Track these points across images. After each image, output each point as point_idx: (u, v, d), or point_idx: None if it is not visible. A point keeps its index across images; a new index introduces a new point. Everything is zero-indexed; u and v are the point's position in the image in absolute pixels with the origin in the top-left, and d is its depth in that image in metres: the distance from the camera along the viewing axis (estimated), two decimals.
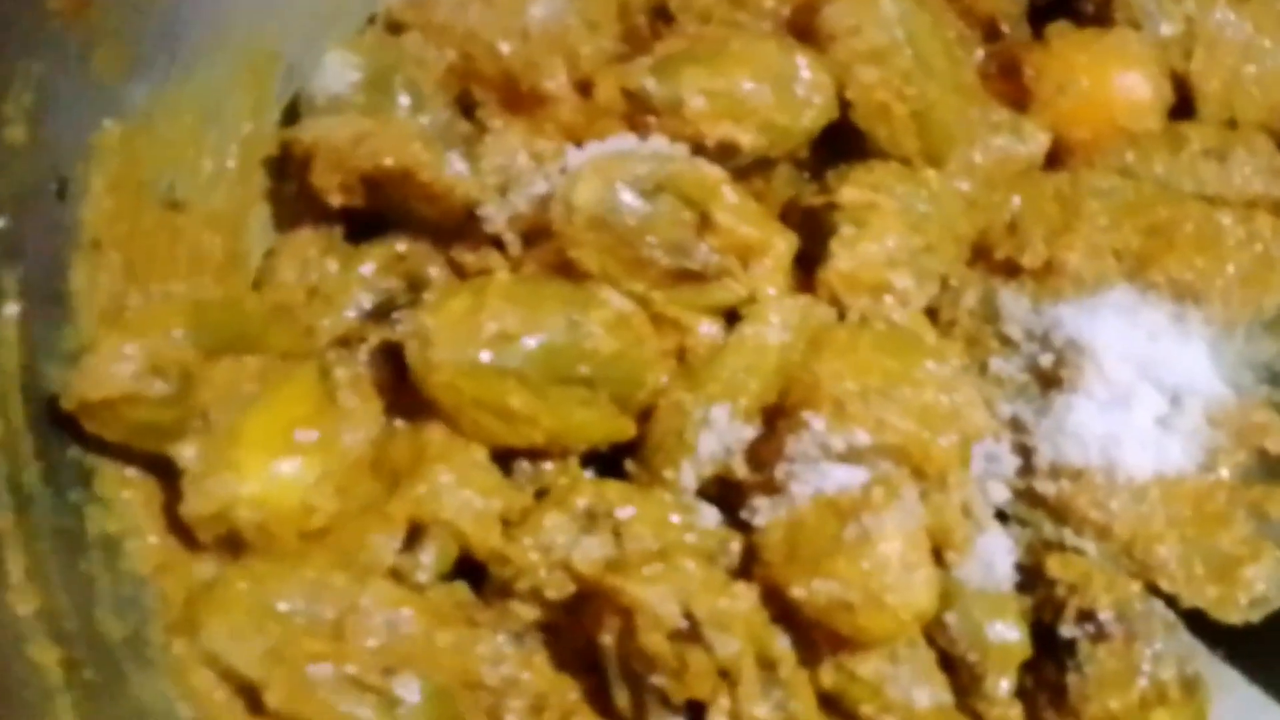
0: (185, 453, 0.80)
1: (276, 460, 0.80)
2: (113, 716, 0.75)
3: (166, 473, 0.82)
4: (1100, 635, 0.86)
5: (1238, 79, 1.08)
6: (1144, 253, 0.99)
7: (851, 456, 0.87)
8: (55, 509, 0.79)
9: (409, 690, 0.78)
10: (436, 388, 0.85)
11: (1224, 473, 0.92)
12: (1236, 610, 0.88)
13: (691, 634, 0.79)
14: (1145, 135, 1.05)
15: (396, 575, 0.83)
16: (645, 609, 0.79)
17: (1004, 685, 0.85)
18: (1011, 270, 1.01)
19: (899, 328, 0.93)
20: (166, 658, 0.79)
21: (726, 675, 0.80)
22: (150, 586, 0.81)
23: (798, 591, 0.81)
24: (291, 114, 0.98)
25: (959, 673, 0.86)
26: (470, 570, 0.88)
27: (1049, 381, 0.97)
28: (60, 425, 0.81)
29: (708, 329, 0.93)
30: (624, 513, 0.87)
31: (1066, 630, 0.86)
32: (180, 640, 0.79)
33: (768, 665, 0.81)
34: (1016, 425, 0.96)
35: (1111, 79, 1.06)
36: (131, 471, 0.83)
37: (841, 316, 0.94)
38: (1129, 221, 1.01)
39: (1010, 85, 1.08)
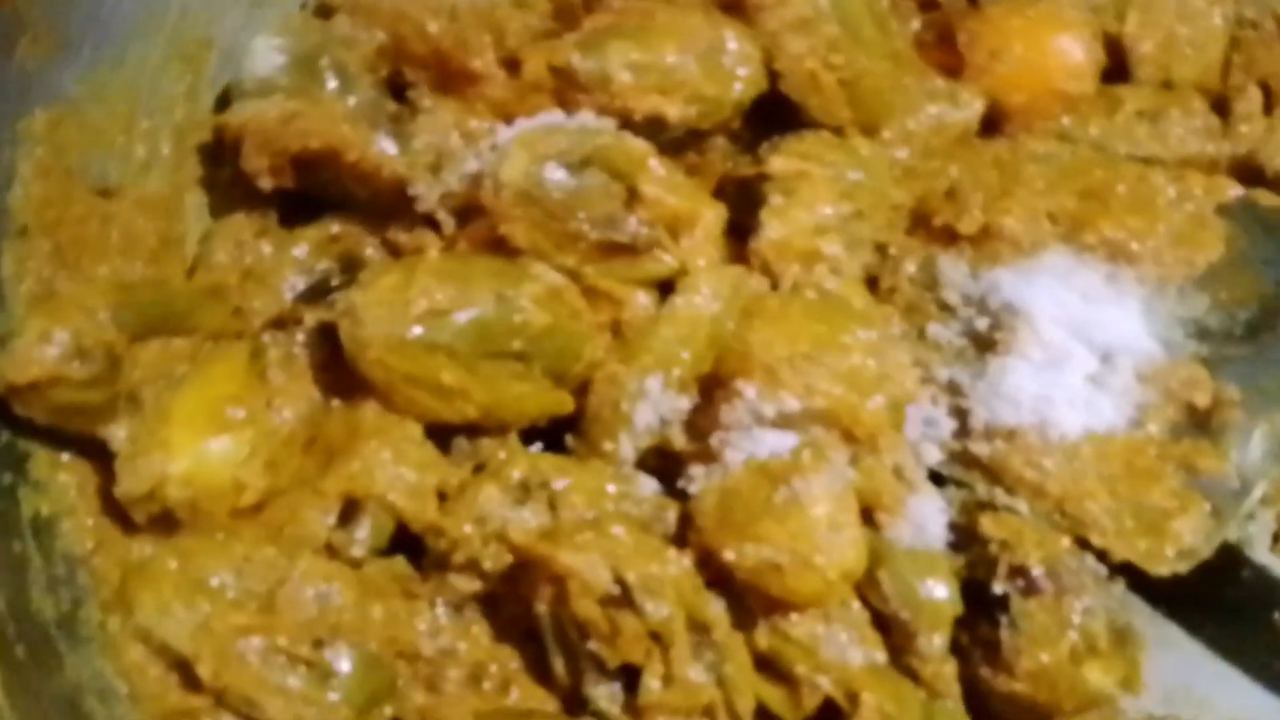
0: (116, 434, 0.81)
1: (206, 438, 0.81)
2: (46, 693, 0.76)
3: (101, 455, 0.83)
4: (1031, 590, 0.86)
5: (1172, 40, 1.09)
6: (1079, 215, 1.00)
7: (783, 422, 0.88)
8: None
9: (341, 660, 0.79)
10: (368, 365, 0.86)
11: (1154, 429, 0.93)
12: (1165, 562, 0.89)
13: (623, 599, 0.80)
14: (1081, 99, 1.06)
15: (331, 550, 0.84)
16: (576, 575, 0.80)
17: (937, 642, 0.86)
18: (950, 237, 1.01)
19: (829, 295, 0.94)
20: (101, 636, 0.80)
21: (659, 639, 0.81)
22: (85, 566, 0.82)
23: (729, 555, 0.82)
24: (226, 101, 0.99)
25: (893, 631, 0.87)
26: (409, 544, 0.89)
27: (985, 345, 0.97)
28: None
29: (641, 301, 0.94)
30: (559, 484, 0.88)
31: (999, 587, 0.87)
32: (114, 618, 0.80)
33: (700, 629, 0.82)
34: (953, 389, 0.96)
35: (1045, 43, 1.06)
36: (66, 454, 0.84)
37: (774, 286, 0.95)
38: (1065, 185, 1.01)
39: (945, 53, 1.08)
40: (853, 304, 0.93)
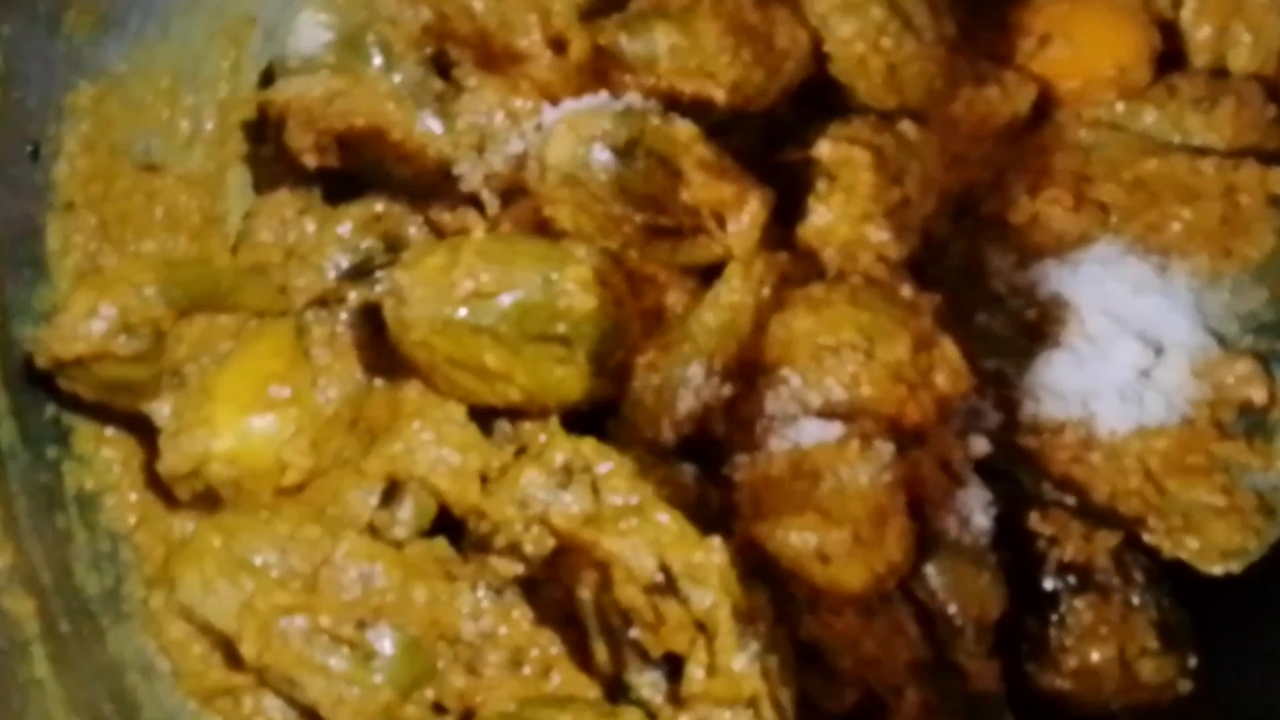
0: (160, 410, 0.81)
1: (250, 416, 0.81)
2: (89, 667, 0.77)
3: (145, 430, 0.83)
4: (1081, 587, 0.85)
5: (1228, 27, 1.06)
6: (1129, 205, 0.98)
7: (827, 411, 0.87)
8: (32, 466, 0.80)
9: (383, 642, 0.78)
10: (412, 345, 0.86)
11: (1205, 425, 0.91)
12: (1216, 562, 0.88)
13: (667, 587, 0.79)
14: (1133, 86, 1.04)
15: (373, 531, 0.84)
16: (620, 562, 0.79)
17: (982, 638, 0.85)
18: (998, 225, 1.00)
19: (875, 283, 0.92)
20: (144, 612, 0.80)
21: (703, 628, 0.80)
22: (128, 542, 0.82)
23: (773, 544, 0.81)
24: (270, 78, 0.98)
25: (937, 626, 0.86)
26: (451, 527, 0.89)
27: (1033, 336, 0.96)
28: (36, 384, 0.81)
29: (685, 286, 0.93)
30: (602, 468, 0.87)
31: (1047, 583, 0.86)
32: (157, 594, 0.80)
33: (745, 618, 0.81)
34: (1000, 380, 0.95)
35: (1098, 30, 1.04)
36: (110, 429, 0.84)
37: (820, 273, 0.94)
38: (1115, 175, 1.00)
39: (996, 39, 1.06)
40: (900, 293, 0.92)
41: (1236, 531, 0.88)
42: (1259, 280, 0.97)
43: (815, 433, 0.86)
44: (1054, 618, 0.85)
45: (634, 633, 0.80)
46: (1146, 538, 0.89)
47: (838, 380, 0.86)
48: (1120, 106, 1.03)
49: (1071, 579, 0.86)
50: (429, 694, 0.81)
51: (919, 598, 0.85)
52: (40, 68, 0.85)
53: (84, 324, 0.78)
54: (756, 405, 0.89)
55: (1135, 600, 0.85)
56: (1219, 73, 1.06)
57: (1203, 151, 1.02)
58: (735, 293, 0.91)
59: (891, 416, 0.86)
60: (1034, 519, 0.89)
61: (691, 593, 0.79)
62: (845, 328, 0.87)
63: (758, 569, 0.83)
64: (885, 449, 0.84)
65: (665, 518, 0.81)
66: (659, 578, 0.79)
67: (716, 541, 0.82)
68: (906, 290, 0.92)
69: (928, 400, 0.86)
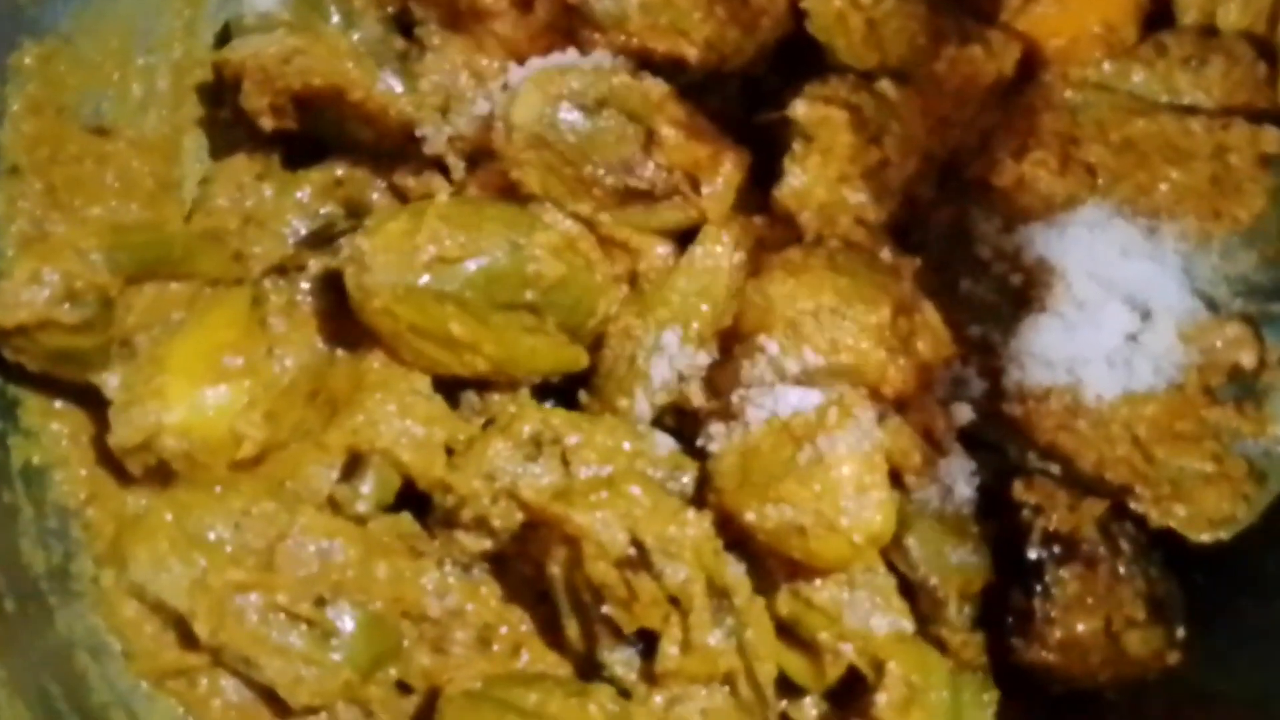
0: (109, 381, 0.78)
1: (203, 387, 0.78)
2: (35, 648, 0.74)
3: (95, 403, 0.80)
4: (1066, 557, 0.83)
5: None
6: (1117, 167, 0.96)
7: (806, 379, 0.84)
8: None
9: (343, 620, 0.76)
10: (374, 314, 0.83)
11: (1195, 390, 0.89)
12: (1206, 530, 0.85)
13: (640, 562, 0.77)
14: (1120, 44, 1.01)
15: (334, 505, 0.81)
16: (591, 536, 0.77)
17: (966, 610, 0.83)
18: (982, 189, 0.97)
19: (853, 246, 0.90)
20: (94, 590, 0.77)
21: (677, 604, 0.77)
22: (78, 518, 0.79)
23: (749, 516, 0.78)
24: (226, 37, 0.95)
25: (920, 599, 0.83)
26: (415, 501, 0.86)
27: (1018, 302, 0.93)
28: None
29: (659, 251, 0.90)
30: (572, 440, 0.85)
31: (1032, 553, 0.84)
32: (108, 572, 0.77)
33: (720, 594, 0.78)
34: (984, 346, 0.92)
35: None
36: (59, 401, 0.81)
37: (798, 237, 0.91)
38: (1102, 136, 0.97)
39: None
40: (879, 257, 0.89)
41: (1226, 499, 0.86)
42: (1249, 242, 0.94)
43: (794, 401, 0.83)
44: (1039, 589, 0.82)
45: (606, 609, 0.78)
46: (1134, 506, 0.86)
47: (815, 347, 0.84)
48: (1107, 66, 1.00)
49: (1057, 549, 0.83)
50: (392, 673, 0.78)
51: (901, 570, 0.83)
52: None
53: (27, 291, 0.75)
54: (733, 374, 0.87)
55: (1122, 570, 0.83)
56: (1208, 31, 1.03)
57: (1191, 111, 0.99)
58: (710, 257, 0.89)
59: (872, 384, 0.84)
60: (1019, 488, 0.87)
61: (665, 567, 0.77)
62: (824, 292, 0.85)
63: (734, 542, 0.81)
64: (865, 417, 0.82)
65: (638, 490, 0.79)
66: (631, 552, 0.77)
67: (691, 514, 0.79)
68: (886, 254, 0.89)
69: (909, 367, 0.84)
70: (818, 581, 0.81)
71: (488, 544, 0.82)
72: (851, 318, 0.84)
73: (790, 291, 0.85)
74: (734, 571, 0.80)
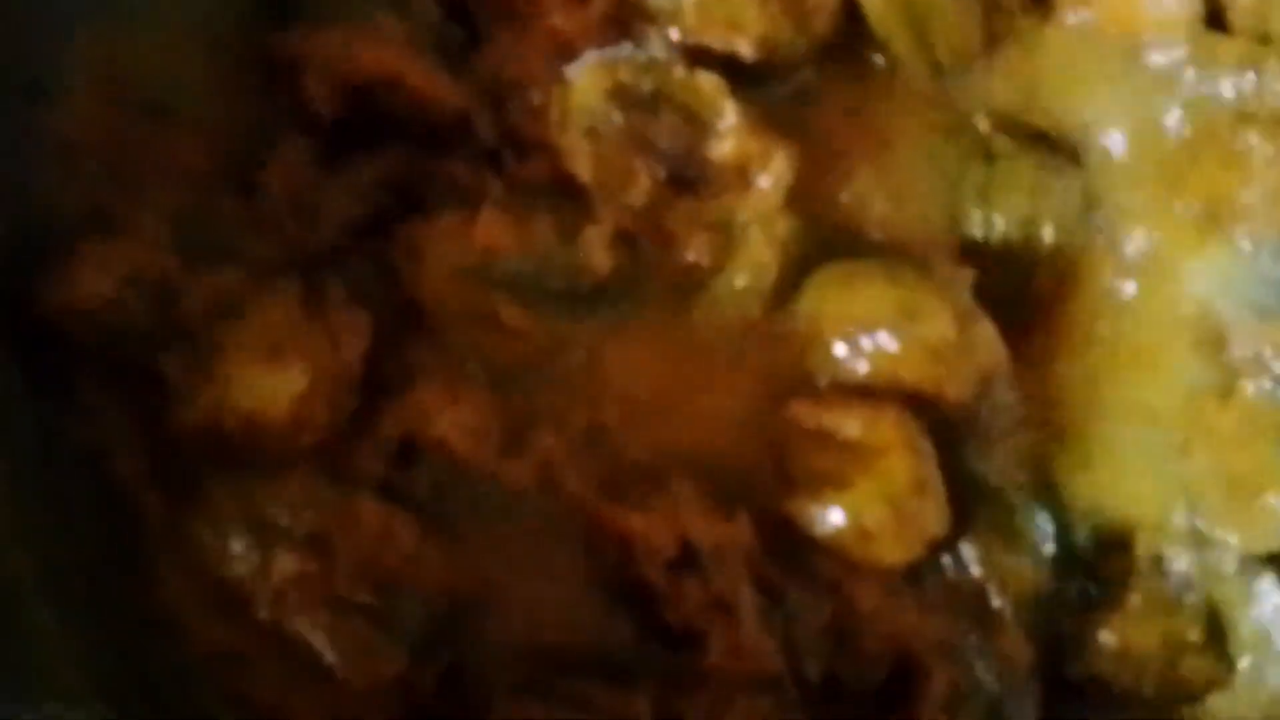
0: (170, 363, 0.78)
1: (263, 373, 0.78)
2: (96, 624, 0.74)
3: (154, 384, 0.80)
4: (1128, 572, 0.82)
5: None
6: (1168, 169, 0.96)
7: (861, 389, 0.85)
8: (35, 420, 0.78)
9: (399, 604, 0.76)
10: (427, 301, 0.83)
11: (1244, 396, 0.89)
12: (1257, 538, 0.86)
13: (688, 563, 0.77)
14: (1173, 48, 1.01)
15: (389, 491, 0.82)
16: (641, 538, 0.77)
17: (1021, 616, 0.82)
18: None
19: (910, 259, 0.90)
20: (150, 571, 0.78)
21: (725, 605, 0.78)
22: (134, 500, 0.79)
23: (805, 520, 0.79)
24: (284, 22, 0.95)
25: (973, 603, 0.83)
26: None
27: None
28: (41, 335, 0.78)
29: (707, 245, 0.90)
30: (622, 435, 0.85)
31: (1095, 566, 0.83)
32: (164, 553, 0.78)
33: (768, 595, 0.79)
34: None
35: None
36: (117, 383, 0.81)
37: (853, 243, 0.91)
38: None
39: None
40: (936, 268, 0.89)
41: (1278, 507, 0.86)
42: None
43: (849, 406, 0.83)
44: (1100, 598, 0.82)
45: (655, 609, 0.78)
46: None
47: (872, 361, 0.84)
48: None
49: (1117, 564, 0.83)
50: (444, 659, 0.79)
51: (952, 574, 0.83)
52: (44, 6, 0.82)
53: (91, 273, 0.76)
54: None
55: (1183, 589, 0.82)
56: (1261, 38, 1.03)
57: (1245, 117, 1.00)
58: (759, 252, 0.88)
59: (930, 399, 0.84)
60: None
61: (714, 570, 0.77)
62: (882, 305, 0.84)
63: (785, 544, 0.81)
64: (917, 430, 0.82)
65: (688, 492, 0.79)
66: (680, 554, 0.77)
67: (742, 516, 0.80)
68: (943, 265, 0.89)
69: (968, 378, 0.84)
70: (862, 584, 0.81)
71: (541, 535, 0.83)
72: (911, 331, 0.84)
73: (846, 304, 0.85)
74: (782, 574, 0.80)
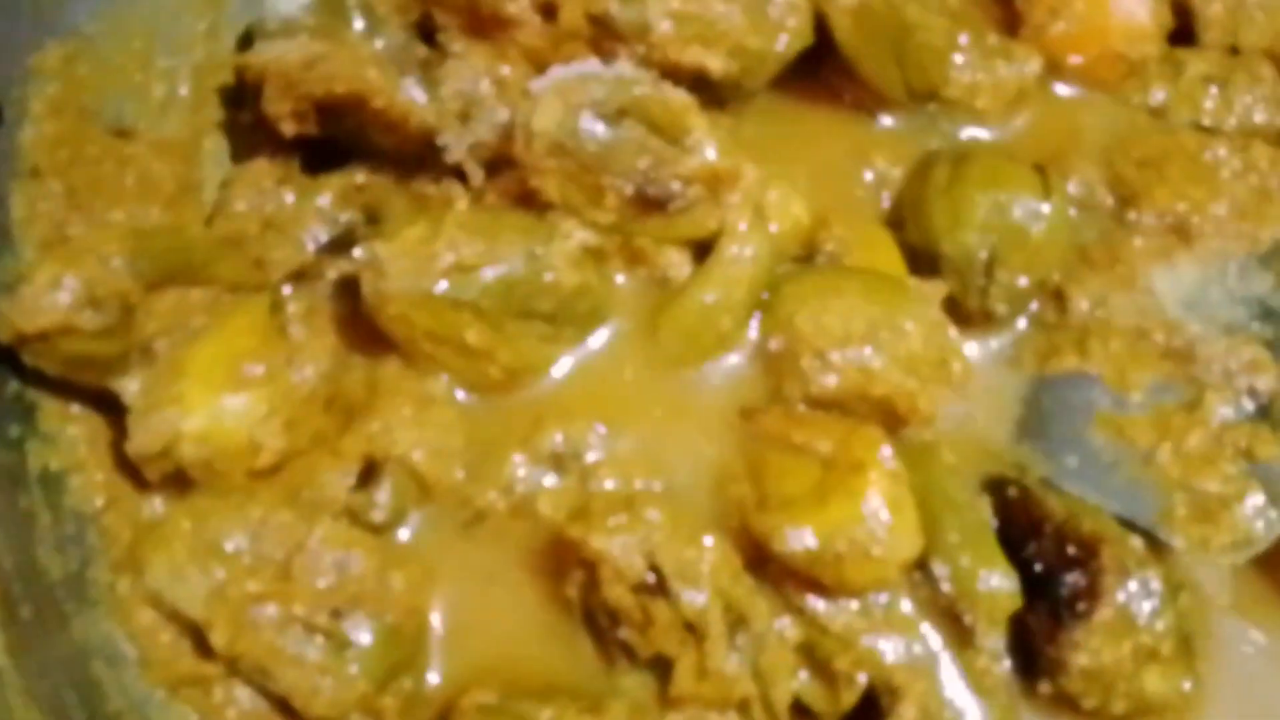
0: (129, 387, 0.78)
1: (223, 395, 0.78)
2: (51, 656, 0.74)
3: (113, 408, 0.80)
4: (1098, 588, 0.81)
5: (1241, 3, 1.03)
6: (1136, 183, 0.95)
7: (834, 404, 0.84)
8: None
9: (360, 632, 0.76)
10: (390, 320, 0.83)
11: (1211, 412, 0.89)
12: (1222, 552, 0.85)
13: (657, 587, 0.77)
14: (1143, 61, 1.01)
15: (351, 514, 0.81)
16: (609, 561, 0.76)
17: (994, 636, 0.81)
18: None
19: (879, 274, 0.89)
20: (110, 597, 0.77)
21: (693, 629, 0.77)
22: (94, 524, 0.79)
23: (777, 540, 0.78)
24: (248, 40, 0.94)
25: (950, 622, 0.82)
26: None
27: None
28: (2, 359, 0.78)
29: (675, 262, 0.90)
30: (592, 455, 0.84)
31: (1065, 581, 0.82)
32: (124, 579, 0.77)
33: (737, 619, 0.78)
34: None
35: (1107, 1, 1.01)
36: (76, 406, 0.81)
37: (810, 255, 0.91)
38: (1121, 151, 0.97)
39: (1003, 9, 1.03)
40: (905, 282, 0.89)
41: (1242, 521, 0.85)
42: (1267, 265, 0.94)
43: (822, 422, 0.83)
44: (1067, 615, 0.80)
45: (622, 633, 0.77)
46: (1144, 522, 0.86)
47: (845, 378, 0.84)
48: (1128, 83, 1.01)
49: (1087, 579, 0.82)
50: (407, 684, 0.78)
51: (924, 593, 0.82)
52: (5, 27, 0.81)
53: (48, 296, 0.75)
54: None
55: (1152, 603, 0.81)
56: (1230, 50, 1.03)
57: (1213, 131, 0.99)
58: (733, 266, 0.88)
59: (903, 414, 0.84)
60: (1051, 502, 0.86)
61: (682, 593, 0.76)
62: (856, 321, 0.85)
63: (752, 562, 0.80)
64: (887, 453, 0.81)
65: (656, 514, 0.78)
66: (649, 577, 0.76)
67: (709, 540, 0.79)
68: (913, 281, 0.89)
69: (939, 396, 0.84)
70: (832, 606, 0.80)
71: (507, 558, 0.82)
72: (881, 348, 0.84)
73: (817, 320, 0.85)
74: (751, 597, 0.79)
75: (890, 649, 0.80)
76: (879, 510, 0.77)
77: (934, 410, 0.85)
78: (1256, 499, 0.86)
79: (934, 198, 0.92)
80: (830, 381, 0.84)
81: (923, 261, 0.92)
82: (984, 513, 0.84)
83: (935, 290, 0.89)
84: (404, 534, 0.83)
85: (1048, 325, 0.93)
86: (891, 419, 0.85)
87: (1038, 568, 0.82)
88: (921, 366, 0.85)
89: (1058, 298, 0.93)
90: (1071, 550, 0.81)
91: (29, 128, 0.83)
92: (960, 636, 0.82)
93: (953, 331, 0.87)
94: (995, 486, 0.86)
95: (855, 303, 0.85)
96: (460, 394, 0.86)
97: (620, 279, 0.89)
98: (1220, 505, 0.86)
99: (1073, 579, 0.81)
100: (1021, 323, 0.94)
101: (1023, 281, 0.91)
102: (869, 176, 0.96)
